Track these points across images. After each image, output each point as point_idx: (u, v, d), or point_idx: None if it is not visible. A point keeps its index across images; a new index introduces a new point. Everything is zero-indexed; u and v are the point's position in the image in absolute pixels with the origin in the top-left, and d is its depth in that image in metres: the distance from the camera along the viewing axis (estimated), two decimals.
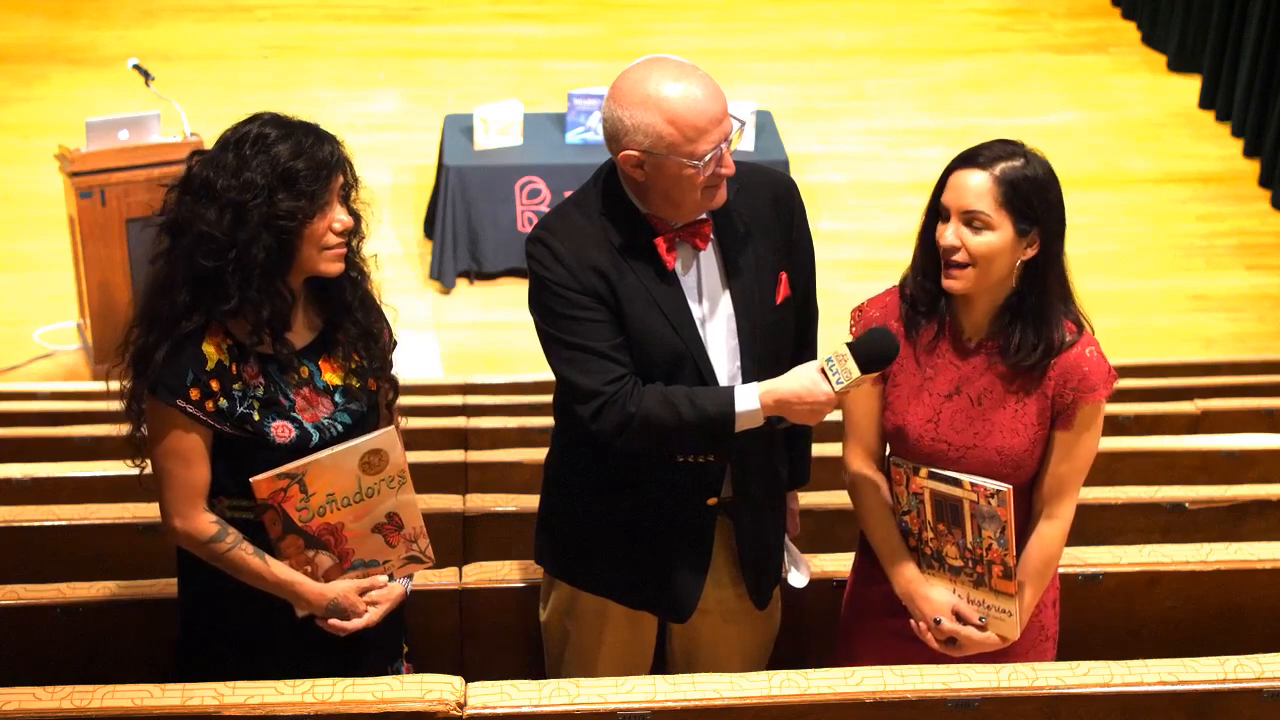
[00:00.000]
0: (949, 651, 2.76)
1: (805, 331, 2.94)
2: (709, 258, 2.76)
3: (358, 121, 8.89)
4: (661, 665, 3.07)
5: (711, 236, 2.75)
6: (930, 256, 2.69)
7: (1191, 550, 3.34)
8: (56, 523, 3.53)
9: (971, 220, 2.61)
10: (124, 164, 6.21)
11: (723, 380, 2.76)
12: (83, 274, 6.40)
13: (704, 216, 2.72)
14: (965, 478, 2.68)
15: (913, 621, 2.80)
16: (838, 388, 2.62)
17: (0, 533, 3.52)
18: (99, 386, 2.72)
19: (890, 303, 2.79)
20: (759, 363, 2.76)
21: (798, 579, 3.04)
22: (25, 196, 8.03)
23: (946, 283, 2.66)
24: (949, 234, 2.63)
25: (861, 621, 2.96)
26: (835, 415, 2.91)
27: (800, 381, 2.64)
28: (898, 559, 2.81)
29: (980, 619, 2.75)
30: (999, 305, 2.69)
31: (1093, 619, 3.28)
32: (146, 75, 6.66)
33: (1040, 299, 2.65)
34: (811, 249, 2.91)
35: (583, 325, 2.68)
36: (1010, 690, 2.60)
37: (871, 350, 2.61)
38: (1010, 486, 2.64)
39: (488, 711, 2.53)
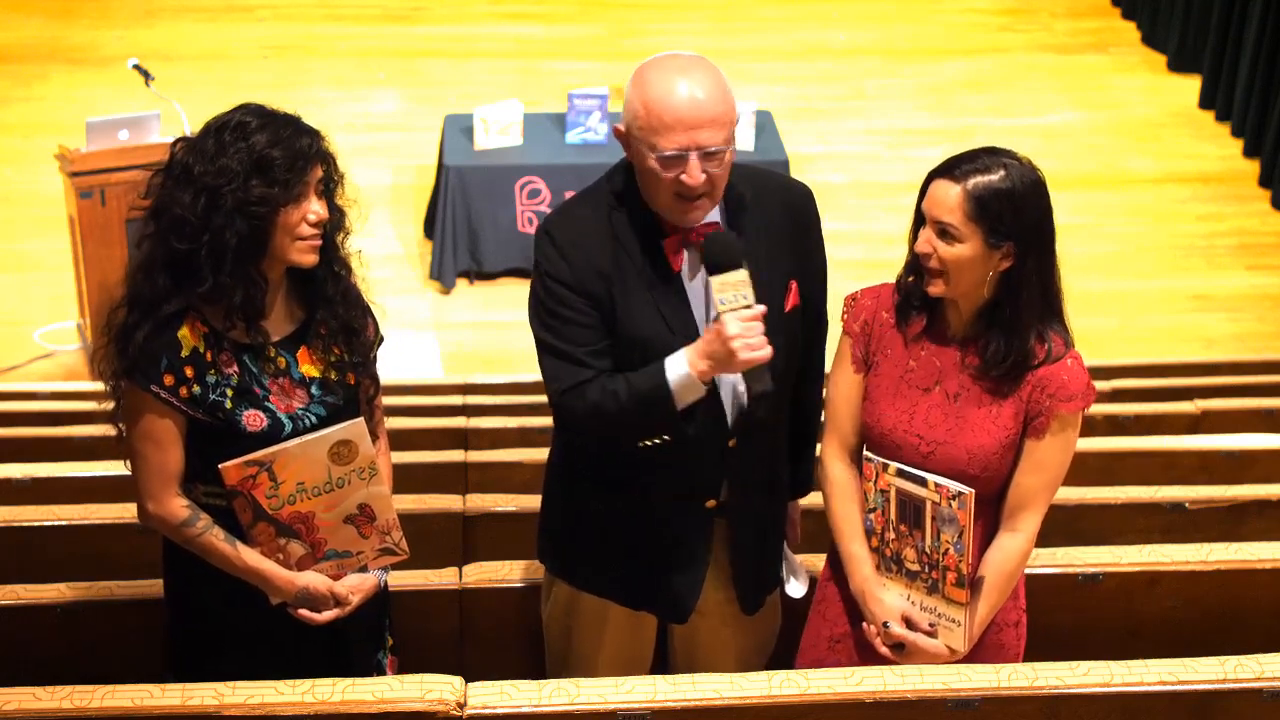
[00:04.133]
0: (896, 658, 2.74)
1: (813, 340, 2.92)
2: None
3: (358, 121, 8.90)
4: (663, 666, 3.07)
5: None
6: (916, 257, 2.71)
7: (1191, 550, 3.34)
8: (56, 523, 3.53)
9: (943, 231, 2.62)
10: (124, 164, 6.21)
11: (726, 388, 2.76)
12: (83, 274, 6.41)
13: (714, 220, 2.72)
14: (931, 477, 2.67)
15: (865, 624, 2.79)
16: (722, 308, 2.59)
17: (0, 533, 3.52)
18: (99, 386, 2.73)
19: (883, 292, 2.81)
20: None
21: (796, 589, 3.03)
22: (25, 196, 8.03)
23: (925, 286, 2.68)
24: (923, 240, 2.66)
25: (813, 630, 2.96)
26: None
27: (708, 328, 2.64)
28: (856, 558, 2.80)
29: (930, 625, 2.74)
30: (979, 309, 2.69)
31: (1093, 619, 3.29)
32: (146, 75, 6.66)
33: (1014, 311, 2.65)
34: (824, 259, 2.90)
35: (568, 327, 2.70)
36: (1010, 690, 2.60)
37: (714, 253, 2.61)
38: (973, 491, 2.63)
39: (488, 711, 2.53)
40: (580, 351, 2.69)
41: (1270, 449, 4.56)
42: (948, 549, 2.67)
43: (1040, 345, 2.67)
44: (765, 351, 2.58)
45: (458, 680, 2.56)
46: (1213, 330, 7.47)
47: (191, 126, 6.37)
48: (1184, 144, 9.13)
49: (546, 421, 4.61)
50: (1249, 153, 8.90)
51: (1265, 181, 8.63)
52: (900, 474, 2.71)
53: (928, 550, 2.70)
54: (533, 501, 3.71)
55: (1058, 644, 2.97)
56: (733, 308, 2.58)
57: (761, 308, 2.59)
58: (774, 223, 2.77)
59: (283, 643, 2.77)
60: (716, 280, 2.59)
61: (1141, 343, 7.26)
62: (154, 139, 6.36)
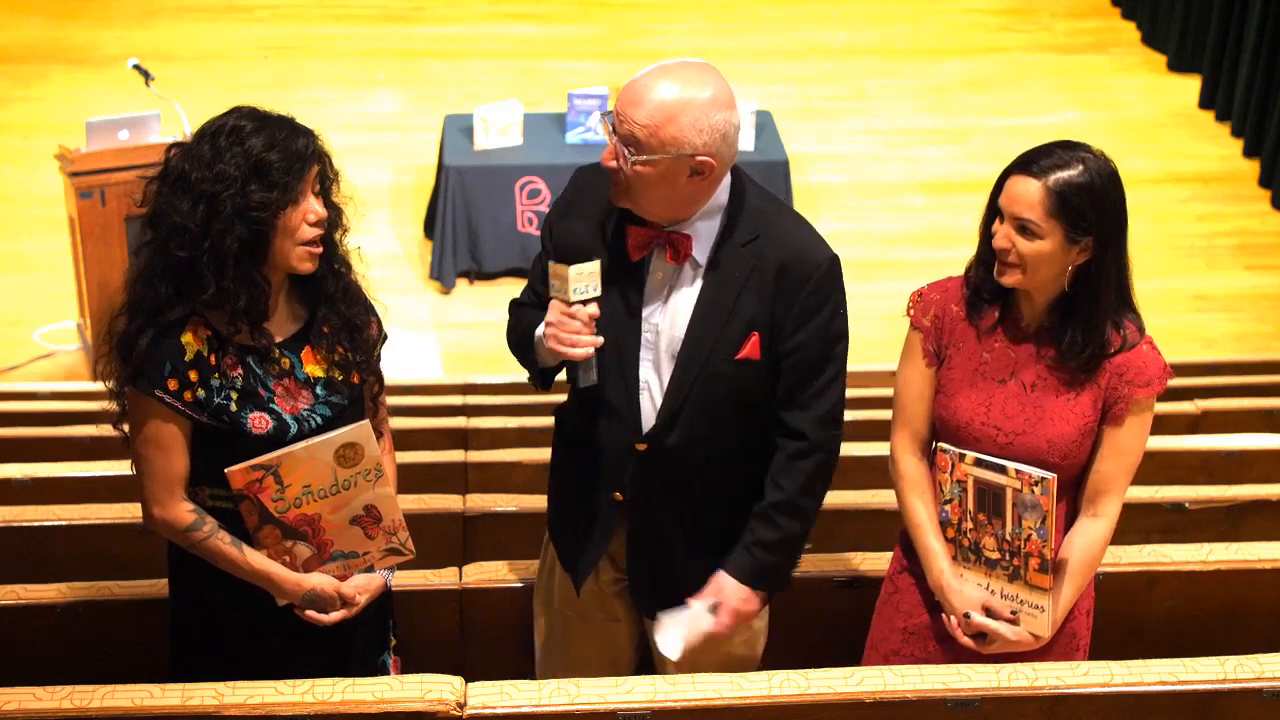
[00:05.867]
0: (980, 648, 2.76)
1: (793, 393, 2.76)
2: (689, 279, 2.74)
3: (358, 121, 8.90)
4: (653, 667, 3.07)
5: (699, 260, 2.72)
6: (989, 248, 2.72)
7: (1191, 550, 3.34)
8: (56, 523, 3.53)
9: (1023, 227, 2.63)
10: (124, 164, 6.21)
11: (651, 391, 2.77)
12: (83, 274, 6.41)
13: (686, 233, 2.71)
14: (1011, 464, 2.69)
15: (944, 616, 2.80)
16: (554, 293, 2.67)
17: (0, 533, 3.52)
18: (99, 386, 2.73)
19: (950, 285, 2.83)
20: (683, 399, 2.74)
21: (669, 646, 2.82)
22: (25, 196, 8.03)
23: (998, 277, 2.70)
24: (1001, 235, 2.67)
25: (885, 622, 2.97)
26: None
27: None
28: (933, 551, 2.82)
29: (1011, 613, 2.75)
30: (1052, 300, 2.71)
31: (1093, 619, 3.28)
32: (146, 75, 6.66)
33: (1091, 303, 2.67)
34: (823, 335, 2.73)
35: (537, 261, 2.87)
36: (1010, 690, 2.60)
37: (560, 242, 2.67)
38: (1055, 475, 2.65)
39: (488, 711, 2.53)
40: (534, 280, 2.90)
41: (1270, 449, 4.56)
42: (1030, 535, 2.68)
43: (1116, 333, 2.70)
44: (575, 350, 2.66)
45: (458, 680, 2.56)
46: (1212, 330, 7.47)
47: (192, 126, 6.38)
48: (1184, 144, 9.13)
49: (547, 421, 4.61)
50: (1249, 153, 8.90)
51: (1265, 181, 8.63)
52: (979, 463, 2.72)
53: (1008, 537, 2.72)
54: (532, 501, 3.71)
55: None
56: (556, 296, 2.67)
57: (589, 309, 2.65)
58: (761, 270, 2.71)
59: (287, 645, 2.77)
60: (551, 266, 2.67)
61: None
62: (154, 139, 6.36)
